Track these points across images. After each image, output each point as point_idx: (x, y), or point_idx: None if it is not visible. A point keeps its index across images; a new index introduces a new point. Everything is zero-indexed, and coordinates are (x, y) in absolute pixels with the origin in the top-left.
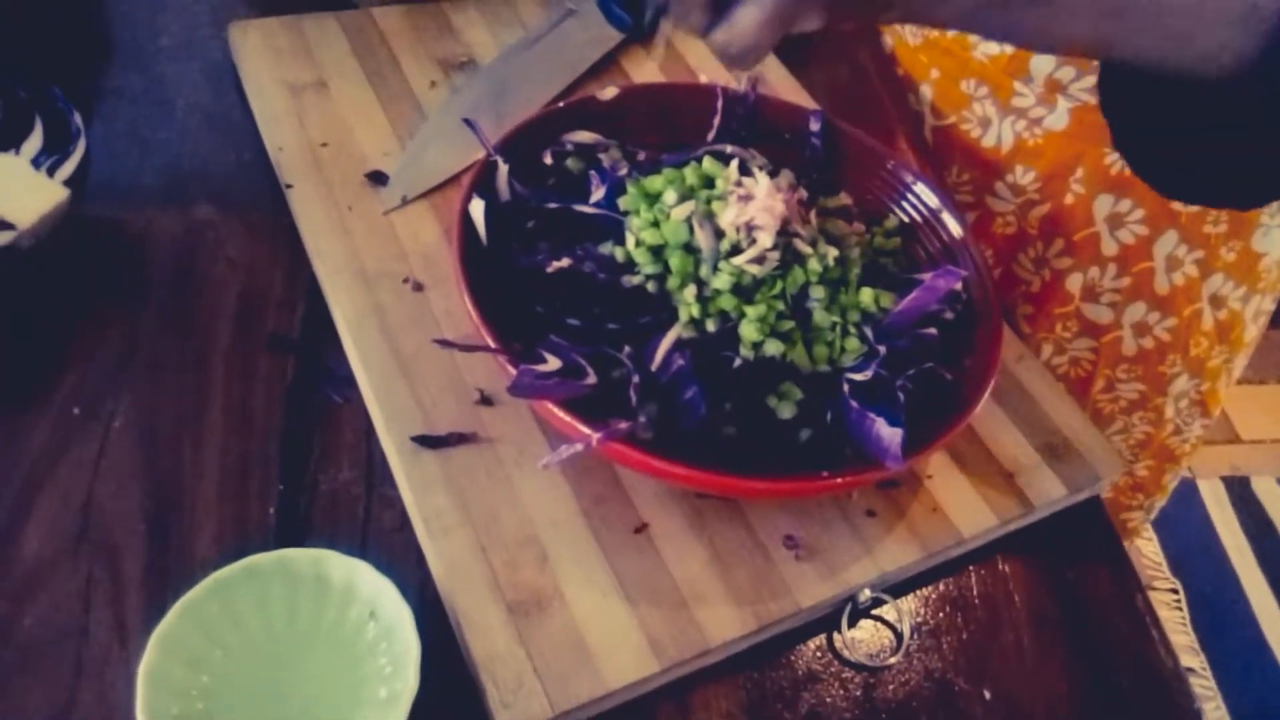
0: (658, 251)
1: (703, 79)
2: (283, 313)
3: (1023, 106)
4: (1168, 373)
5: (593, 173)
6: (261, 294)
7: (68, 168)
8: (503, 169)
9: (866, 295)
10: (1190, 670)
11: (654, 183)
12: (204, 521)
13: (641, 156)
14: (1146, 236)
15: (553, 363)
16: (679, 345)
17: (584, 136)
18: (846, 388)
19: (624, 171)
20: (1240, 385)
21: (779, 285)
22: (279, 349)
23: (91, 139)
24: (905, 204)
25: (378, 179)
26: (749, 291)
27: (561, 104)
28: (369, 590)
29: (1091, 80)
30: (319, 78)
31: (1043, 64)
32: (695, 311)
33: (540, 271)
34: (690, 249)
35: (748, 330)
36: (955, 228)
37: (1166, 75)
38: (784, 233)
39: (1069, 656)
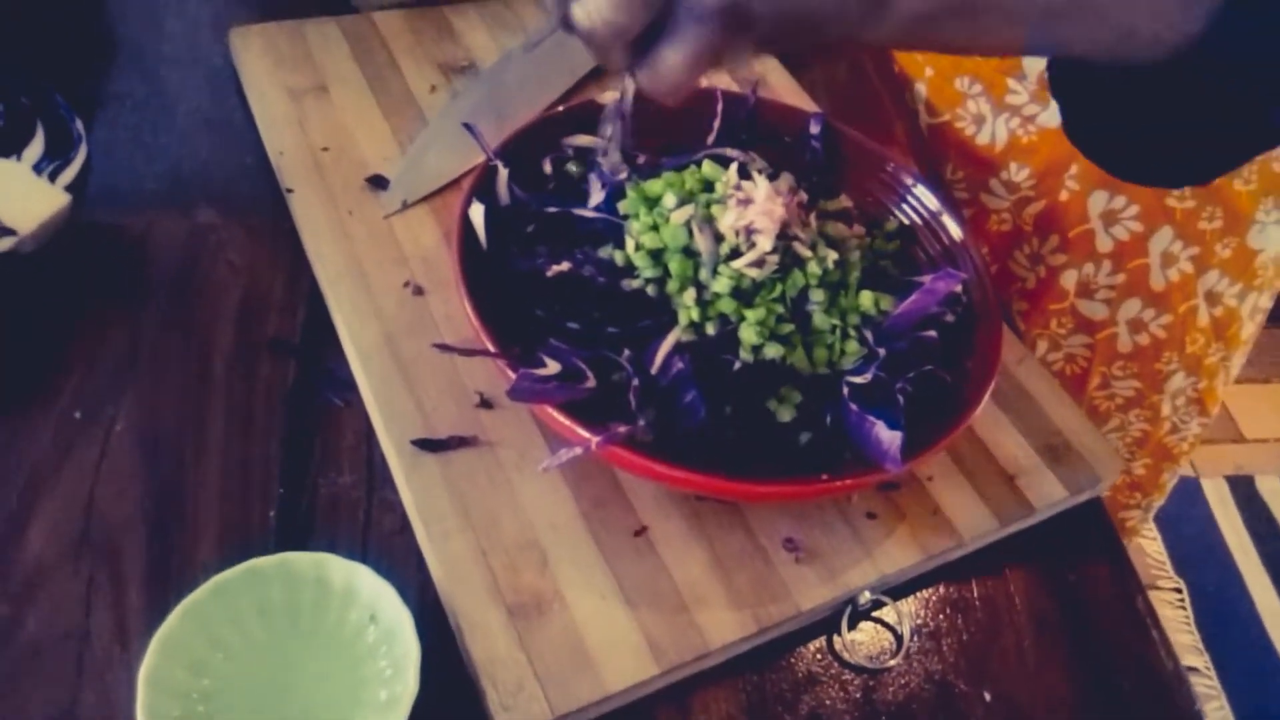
0: (657, 255)
1: (703, 81)
2: (284, 316)
3: (1017, 104)
4: (1164, 370)
5: (592, 176)
6: (262, 298)
7: (69, 173)
8: (503, 173)
9: (866, 298)
10: (1194, 669)
11: (653, 186)
12: (205, 524)
13: (641, 160)
14: (1141, 233)
15: (552, 366)
16: (678, 349)
17: (584, 140)
18: (846, 390)
19: (623, 175)
20: (1244, 384)
21: (779, 288)
22: (280, 352)
23: (93, 143)
24: (905, 206)
25: (378, 183)
26: (749, 295)
27: (561, 108)
28: (369, 593)
29: None
30: (320, 82)
31: (1036, 61)
32: (695, 315)
33: (540, 275)
34: (690, 253)
35: (747, 333)
36: (955, 230)
37: (1116, 64)
38: (783, 236)
39: (1069, 658)
